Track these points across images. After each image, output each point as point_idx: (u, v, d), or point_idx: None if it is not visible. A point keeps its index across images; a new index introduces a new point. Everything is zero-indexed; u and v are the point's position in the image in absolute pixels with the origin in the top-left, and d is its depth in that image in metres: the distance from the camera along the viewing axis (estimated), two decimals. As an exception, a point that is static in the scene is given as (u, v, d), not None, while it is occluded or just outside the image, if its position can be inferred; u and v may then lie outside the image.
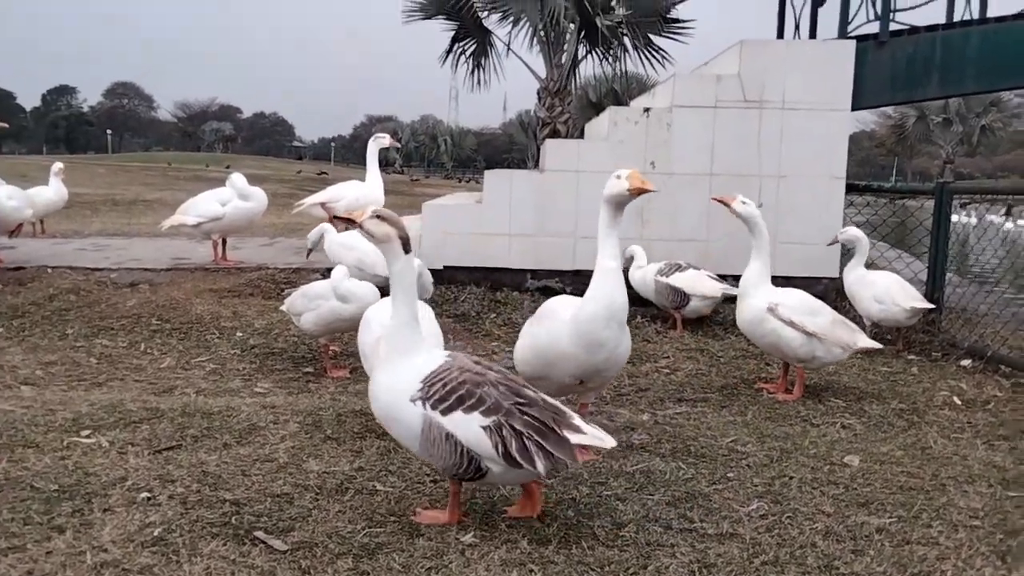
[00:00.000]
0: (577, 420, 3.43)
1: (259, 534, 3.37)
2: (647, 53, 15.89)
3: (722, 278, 7.81)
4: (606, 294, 4.15)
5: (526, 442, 3.29)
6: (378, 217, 3.55)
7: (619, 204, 4.18)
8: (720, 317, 8.04)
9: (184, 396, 5.52)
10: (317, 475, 4.06)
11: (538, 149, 16.12)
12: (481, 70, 16.81)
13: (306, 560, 3.18)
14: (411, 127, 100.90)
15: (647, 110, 8.48)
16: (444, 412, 3.35)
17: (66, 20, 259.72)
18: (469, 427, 3.33)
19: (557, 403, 3.49)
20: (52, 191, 11.61)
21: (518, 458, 3.28)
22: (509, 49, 16.42)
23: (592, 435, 3.38)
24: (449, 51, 16.67)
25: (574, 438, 3.33)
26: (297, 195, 10.27)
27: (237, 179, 8.95)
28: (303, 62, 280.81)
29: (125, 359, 6.46)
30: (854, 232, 7.40)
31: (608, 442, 3.39)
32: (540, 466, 3.28)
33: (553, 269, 8.56)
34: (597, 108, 23.73)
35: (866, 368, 6.80)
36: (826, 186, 8.37)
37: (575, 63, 16.28)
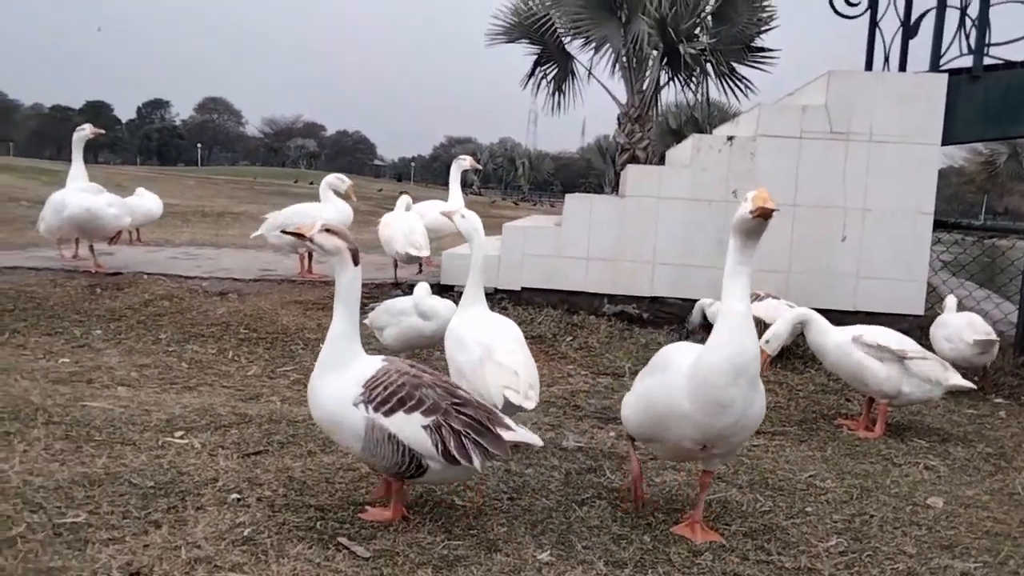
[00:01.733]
0: (507, 420, 3.66)
1: (343, 540, 3.47)
2: (730, 81, 15.82)
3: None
4: (733, 343, 3.40)
5: (464, 440, 3.49)
6: (327, 231, 3.74)
7: (748, 232, 3.44)
8: (800, 350, 7.94)
9: (270, 403, 5.70)
10: (398, 486, 4.15)
11: (616, 174, 16.18)
12: (561, 94, 16.95)
13: (388, 568, 3.26)
14: (490, 149, 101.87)
15: (731, 138, 8.46)
16: (386, 414, 3.52)
17: (162, 33, 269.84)
18: (410, 427, 3.51)
19: (489, 407, 3.73)
20: (152, 202, 12.08)
21: (456, 455, 3.47)
22: (591, 74, 16.55)
23: (522, 434, 3.63)
24: (531, 75, 16.87)
25: (507, 435, 3.56)
26: (378, 212, 10.51)
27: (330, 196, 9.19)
28: (386, 81, 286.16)
29: (214, 365, 6.70)
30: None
31: (537, 441, 3.68)
32: (477, 462, 3.48)
33: (631, 295, 8.57)
34: (677, 136, 23.69)
35: (951, 410, 6.64)
36: (912, 221, 8.21)
37: (656, 89, 16.30)
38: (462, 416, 3.53)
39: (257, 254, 11.12)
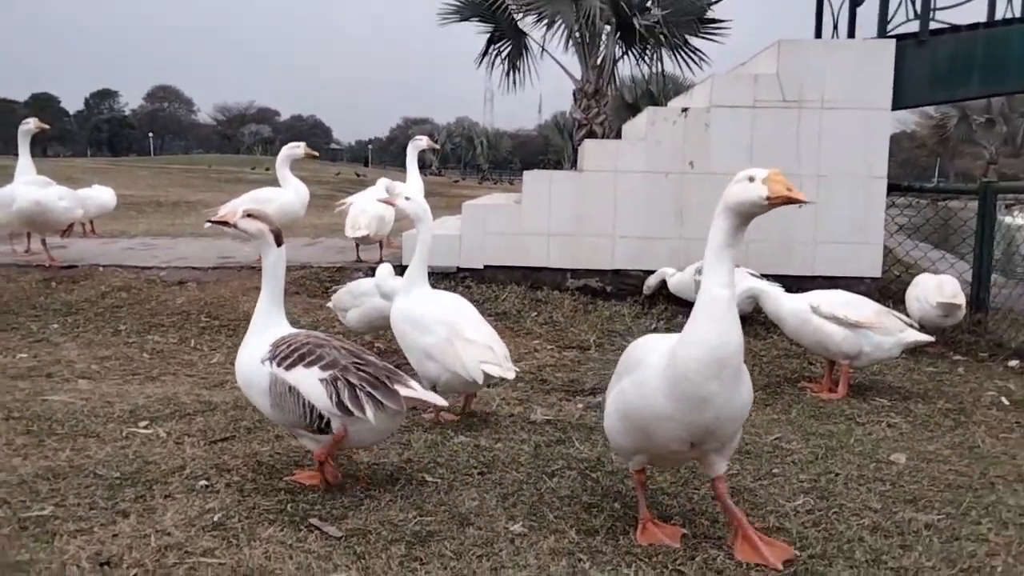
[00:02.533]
0: (412, 382, 3.78)
1: (314, 521, 3.47)
2: (684, 54, 15.90)
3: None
4: (713, 334, 3.04)
5: (358, 392, 3.61)
6: (249, 216, 3.88)
7: (747, 215, 3.11)
8: (762, 317, 8.03)
9: (235, 390, 5.63)
10: (367, 466, 4.15)
11: (574, 150, 16.17)
12: (516, 72, 16.92)
13: (360, 546, 3.26)
14: (447, 129, 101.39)
15: (685, 110, 8.50)
16: (287, 368, 3.71)
17: (105, 22, 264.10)
18: (308, 380, 3.67)
19: (394, 368, 3.84)
20: (105, 194, 11.90)
21: (350, 406, 3.59)
22: (544, 51, 16.53)
23: (423, 393, 3.78)
24: (484, 53, 16.81)
25: (404, 391, 3.68)
26: (336, 196, 10.44)
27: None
28: (339, 65, 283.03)
29: (176, 355, 6.62)
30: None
31: (440, 401, 3.83)
32: (369, 413, 3.57)
33: (592, 268, 8.60)
34: (633, 110, 23.71)
35: (911, 368, 6.77)
36: (866, 186, 8.32)
37: (611, 64, 16.32)
38: (360, 372, 3.67)
39: (214, 242, 10.98)
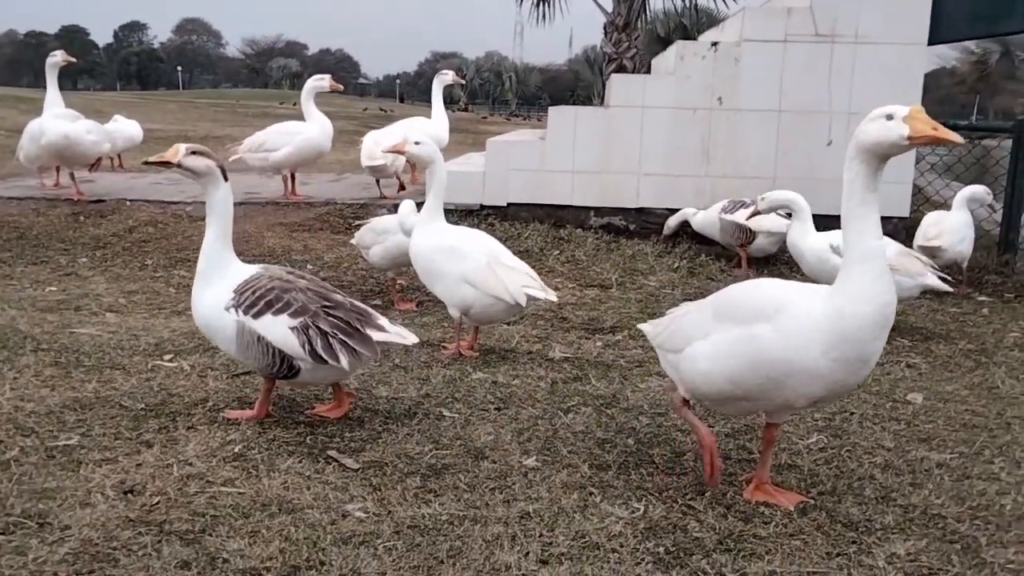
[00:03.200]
0: (381, 320, 3.77)
1: (332, 453, 3.54)
2: (718, -15, 15.51)
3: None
4: (881, 291, 2.86)
5: (331, 340, 3.59)
6: (194, 153, 3.81)
7: (884, 157, 2.88)
8: (786, 256, 7.97)
9: (258, 325, 5.72)
10: (386, 400, 4.22)
11: (604, 85, 15.95)
12: (546, 4, 16.66)
13: (376, 478, 3.34)
14: (476, 64, 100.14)
15: (715, 44, 8.34)
16: (255, 316, 3.66)
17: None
18: (278, 329, 3.63)
19: (363, 306, 3.82)
20: (132, 128, 11.96)
21: (323, 355, 3.58)
22: (575, -19, 16.18)
23: (395, 333, 3.75)
24: (515, -17, 16.51)
25: (377, 336, 3.67)
26: (363, 132, 10.38)
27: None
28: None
29: (201, 289, 6.70)
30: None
31: (410, 339, 3.78)
32: (344, 361, 3.57)
33: (617, 207, 8.56)
34: (665, 44, 23.26)
35: (935, 309, 6.72)
36: (899, 123, 8.15)
37: (643, -4, 15.99)
38: (331, 318, 3.65)
39: (242, 177, 11.02)
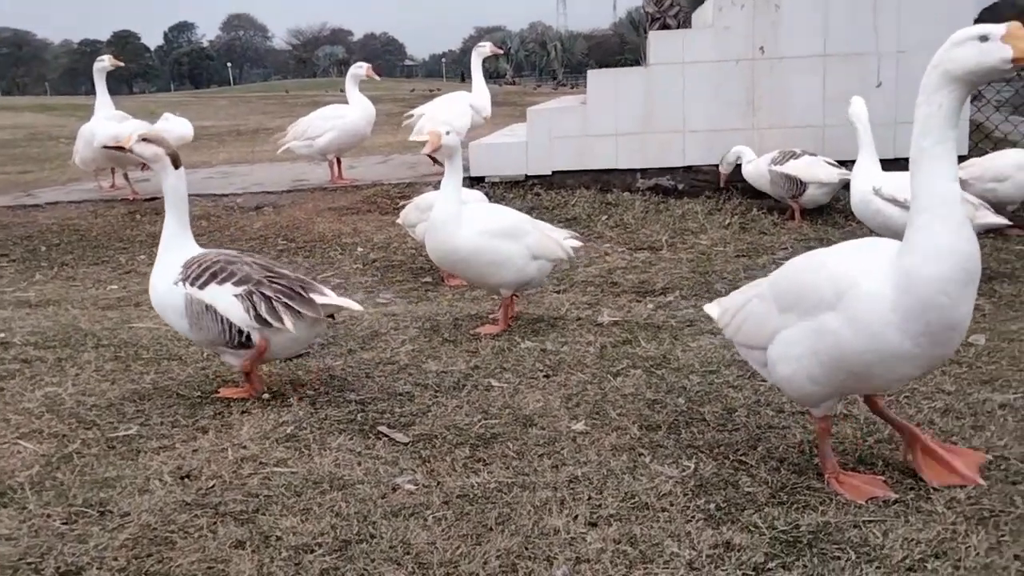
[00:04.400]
0: (325, 289, 3.86)
1: (382, 428, 3.58)
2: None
3: (840, 164, 7.53)
4: (961, 244, 2.48)
5: (275, 304, 3.71)
6: (144, 140, 3.90)
7: (974, 86, 2.58)
8: (840, 205, 7.78)
9: (310, 308, 5.80)
10: (435, 374, 4.24)
11: (648, 46, 15.68)
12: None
13: (426, 450, 3.36)
14: (520, 36, 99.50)
15: (755, -7, 8.12)
16: (201, 287, 3.79)
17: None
18: (223, 296, 3.76)
19: (308, 279, 3.93)
20: (182, 126, 12.17)
21: (268, 318, 3.69)
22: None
23: (338, 300, 3.83)
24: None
25: (320, 299, 3.77)
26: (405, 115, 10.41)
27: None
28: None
29: (255, 278, 6.82)
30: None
31: (354, 307, 3.88)
32: (288, 323, 3.68)
33: (663, 167, 8.44)
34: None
35: (999, 248, 6.50)
36: (952, 58, 7.86)
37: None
38: (274, 284, 3.77)
39: (291, 166, 11.17)
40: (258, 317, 3.72)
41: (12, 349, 4.74)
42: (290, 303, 3.72)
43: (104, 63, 9.79)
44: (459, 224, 4.80)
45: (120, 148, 3.97)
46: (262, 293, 3.74)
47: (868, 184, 5.75)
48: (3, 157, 16.28)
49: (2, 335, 5.01)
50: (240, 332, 3.77)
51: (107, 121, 8.99)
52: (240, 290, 3.75)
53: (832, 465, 2.94)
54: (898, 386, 2.84)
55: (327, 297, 3.81)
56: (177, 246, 3.99)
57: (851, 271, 2.64)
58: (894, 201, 5.58)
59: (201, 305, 3.78)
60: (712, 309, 3.39)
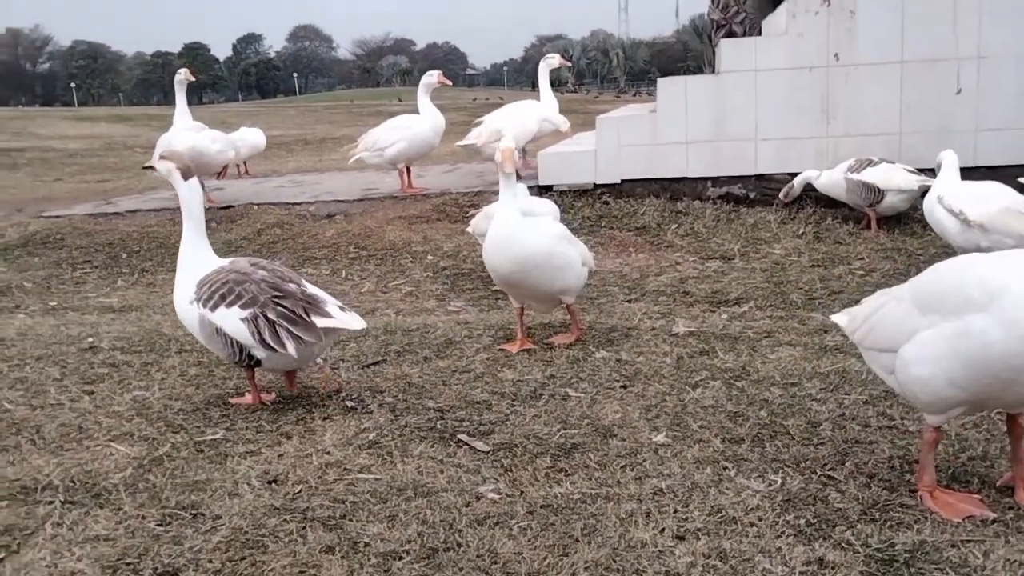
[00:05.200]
0: (329, 308, 3.89)
1: (462, 437, 3.60)
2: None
3: (919, 172, 7.36)
4: None
5: (278, 329, 3.75)
6: (162, 158, 4.13)
7: None
8: (918, 214, 7.59)
9: (384, 316, 5.87)
10: (512, 383, 4.25)
11: (714, 54, 15.53)
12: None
13: (507, 459, 3.37)
14: (581, 44, 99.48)
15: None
16: (211, 309, 3.88)
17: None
18: (231, 320, 3.83)
19: (317, 293, 3.96)
20: (256, 136, 12.47)
21: (271, 343, 3.75)
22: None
23: (341, 319, 3.85)
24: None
25: (321, 322, 3.79)
26: (472, 121, 10.46)
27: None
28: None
29: (329, 285, 6.92)
30: None
31: (356, 325, 3.86)
32: (291, 348, 3.73)
33: (734, 175, 8.35)
34: (775, 4, 22.47)
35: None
36: (1036, 63, 7.65)
37: (750, -43, 15.45)
38: (279, 307, 3.80)
39: (360, 175, 11.31)
40: (263, 341, 3.77)
41: (100, 353, 4.89)
42: (291, 329, 3.76)
43: (181, 76, 10.07)
44: (526, 231, 4.70)
45: (151, 168, 4.22)
46: (266, 317, 3.78)
47: (935, 192, 5.77)
48: (82, 166, 16.82)
49: (90, 340, 5.17)
50: (250, 355, 3.86)
51: (185, 132, 9.22)
52: (246, 314, 3.82)
53: (930, 479, 2.87)
54: None
55: (329, 320, 3.83)
56: (194, 259, 4.11)
57: (1002, 273, 2.60)
58: (951, 212, 5.51)
59: (212, 326, 3.89)
60: (840, 318, 3.29)
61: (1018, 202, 5.55)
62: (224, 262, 4.11)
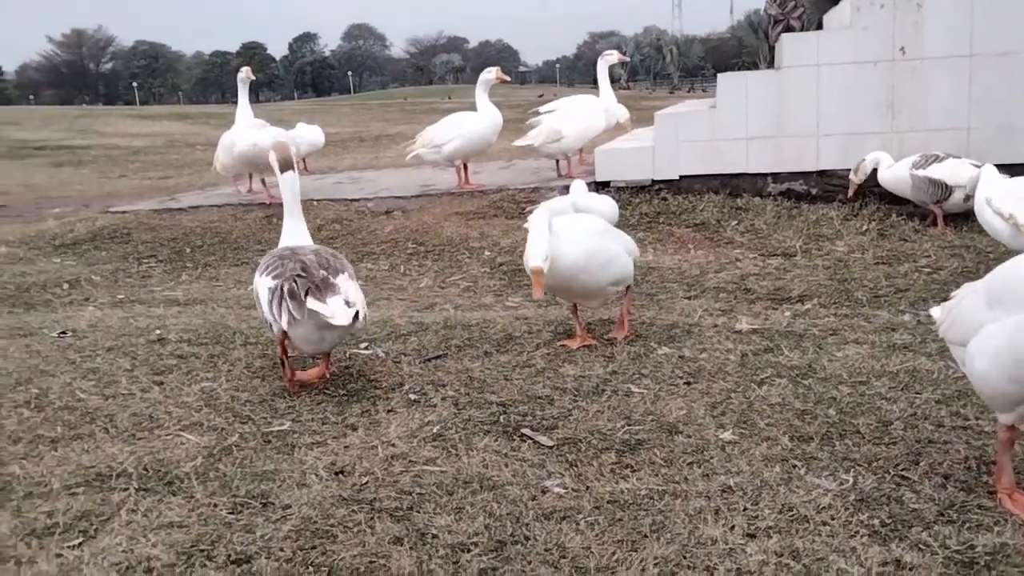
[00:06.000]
0: (329, 297, 3.91)
1: (526, 431, 3.59)
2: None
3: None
4: None
5: (281, 302, 3.89)
6: (273, 151, 4.53)
7: None
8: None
9: (444, 311, 5.90)
10: (574, 379, 4.23)
11: (770, 49, 15.32)
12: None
13: (572, 454, 3.36)
14: (635, 40, 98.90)
15: (895, -9, 7.83)
16: (258, 276, 4.17)
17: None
18: (262, 288, 4.08)
19: (334, 281, 4.02)
20: (314, 133, 12.63)
21: (274, 312, 3.91)
22: (736, -56, 15.61)
23: (327, 308, 3.84)
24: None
25: (311, 303, 3.85)
26: (527, 118, 10.44)
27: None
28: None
29: (388, 280, 6.98)
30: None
31: (339, 319, 3.82)
32: (284, 320, 3.85)
33: (795, 171, 8.23)
34: (833, 1, 22.10)
35: None
36: (1114, 56, 7.40)
37: (809, -49, 15.24)
38: (293, 283, 3.93)
39: (417, 171, 11.38)
40: (269, 311, 3.95)
41: (168, 345, 4.99)
42: (289, 304, 3.87)
43: (243, 75, 10.25)
44: (560, 242, 4.48)
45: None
46: (281, 290, 3.93)
47: (982, 195, 5.66)
48: (145, 163, 17.21)
49: (158, 332, 5.27)
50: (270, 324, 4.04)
51: (247, 129, 9.37)
52: (273, 283, 4.00)
53: (1008, 480, 2.80)
54: None
55: (317, 305, 3.85)
56: (282, 240, 4.51)
57: None
58: (999, 214, 5.40)
59: (255, 292, 4.20)
60: (936, 311, 3.22)
61: None
62: (305, 244, 4.39)
